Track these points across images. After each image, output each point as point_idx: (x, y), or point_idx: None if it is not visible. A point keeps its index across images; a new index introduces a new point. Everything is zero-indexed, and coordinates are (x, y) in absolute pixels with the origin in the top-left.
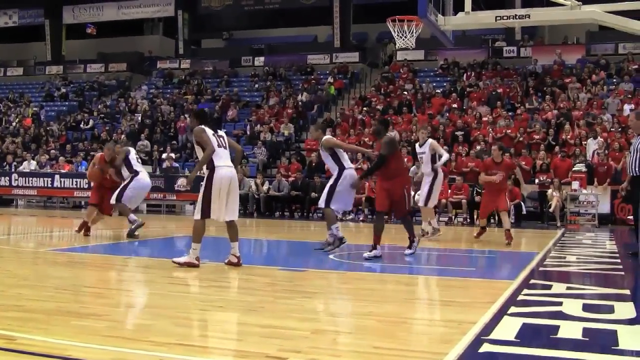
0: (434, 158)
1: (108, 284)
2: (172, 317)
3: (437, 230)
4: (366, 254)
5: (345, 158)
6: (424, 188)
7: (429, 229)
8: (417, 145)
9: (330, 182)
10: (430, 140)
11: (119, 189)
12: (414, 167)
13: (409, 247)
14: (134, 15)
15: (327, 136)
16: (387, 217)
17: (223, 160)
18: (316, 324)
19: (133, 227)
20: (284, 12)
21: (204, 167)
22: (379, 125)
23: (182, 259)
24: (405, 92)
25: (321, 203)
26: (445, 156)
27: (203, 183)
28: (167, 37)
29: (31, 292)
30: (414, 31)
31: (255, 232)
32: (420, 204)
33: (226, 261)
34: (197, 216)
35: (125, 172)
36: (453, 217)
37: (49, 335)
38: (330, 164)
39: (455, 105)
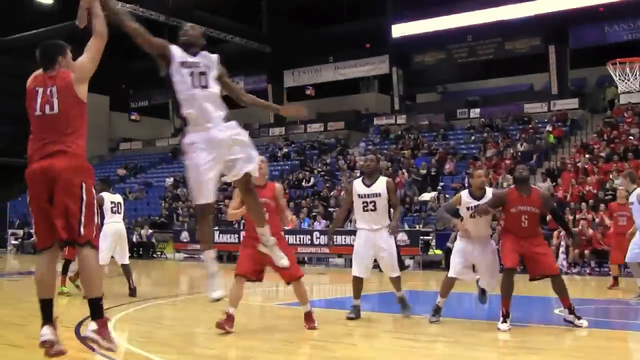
0: None
1: (333, 338)
2: None
3: None
4: (501, 325)
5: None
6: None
7: None
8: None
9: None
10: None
11: None
12: None
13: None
14: (350, 75)
15: None
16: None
17: None
18: None
19: None
20: (498, 62)
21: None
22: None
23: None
24: (631, 137)
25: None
26: None
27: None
28: (382, 94)
29: (260, 344)
30: (637, 73)
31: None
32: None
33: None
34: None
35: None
36: None
37: None
38: None
39: None
